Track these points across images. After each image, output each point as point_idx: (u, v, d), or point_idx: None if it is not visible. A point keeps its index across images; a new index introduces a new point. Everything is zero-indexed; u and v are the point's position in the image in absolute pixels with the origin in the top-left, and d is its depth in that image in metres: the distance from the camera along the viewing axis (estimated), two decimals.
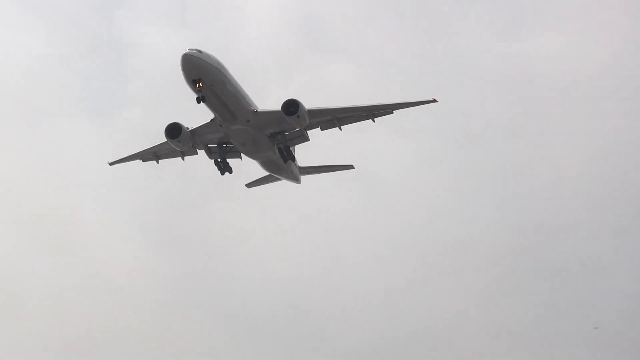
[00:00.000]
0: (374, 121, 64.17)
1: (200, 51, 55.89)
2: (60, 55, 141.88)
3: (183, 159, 69.34)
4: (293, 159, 68.82)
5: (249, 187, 79.62)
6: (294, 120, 60.47)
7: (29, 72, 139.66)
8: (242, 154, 68.58)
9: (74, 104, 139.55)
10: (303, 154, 71.72)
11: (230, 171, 69.02)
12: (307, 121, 61.58)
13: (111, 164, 70.02)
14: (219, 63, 57.58)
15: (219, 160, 67.95)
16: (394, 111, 63.66)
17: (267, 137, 64.87)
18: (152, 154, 69.66)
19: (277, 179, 76.98)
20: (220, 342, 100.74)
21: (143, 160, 70.51)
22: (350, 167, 77.72)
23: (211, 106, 59.45)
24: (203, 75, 55.64)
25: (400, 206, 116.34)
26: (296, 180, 76.43)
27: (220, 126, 62.90)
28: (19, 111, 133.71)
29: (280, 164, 69.31)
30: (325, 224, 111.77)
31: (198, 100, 57.01)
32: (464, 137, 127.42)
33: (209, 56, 56.63)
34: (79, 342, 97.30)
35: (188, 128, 63.28)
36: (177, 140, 62.31)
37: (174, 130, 62.49)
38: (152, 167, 70.44)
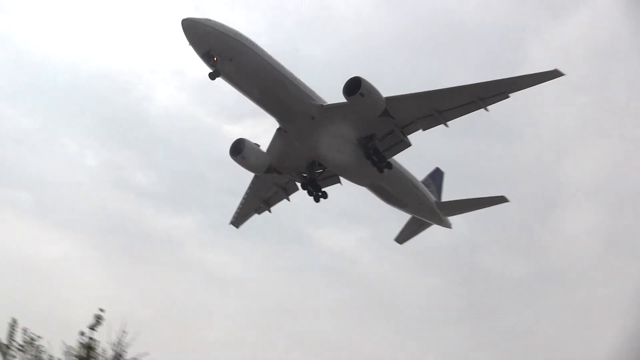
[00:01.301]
0: (487, 109, 49.37)
1: (209, 20, 47.05)
2: None
3: (288, 199, 59.31)
4: (389, 165, 54.05)
5: (400, 243, 67.21)
6: (359, 102, 47.31)
7: None
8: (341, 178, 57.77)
9: None
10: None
11: (325, 196, 57.52)
12: (382, 106, 48.40)
13: (236, 225, 61.42)
14: (240, 35, 48.09)
15: (306, 182, 56.87)
16: (509, 95, 48.51)
17: (355, 146, 53.06)
18: (257, 200, 59.59)
19: (425, 224, 65.45)
20: None
21: (258, 213, 60.70)
22: (503, 199, 61.16)
23: (247, 94, 49.81)
24: (214, 44, 46.08)
25: None
26: (442, 221, 64.12)
27: (285, 132, 52.85)
28: None
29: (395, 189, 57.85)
30: None
31: (211, 76, 47.17)
32: None
33: (222, 25, 47.40)
34: None
35: (258, 145, 54.28)
36: (241, 156, 52.77)
37: (237, 146, 53.45)
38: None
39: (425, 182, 65.63)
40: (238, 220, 61.04)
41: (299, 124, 51.94)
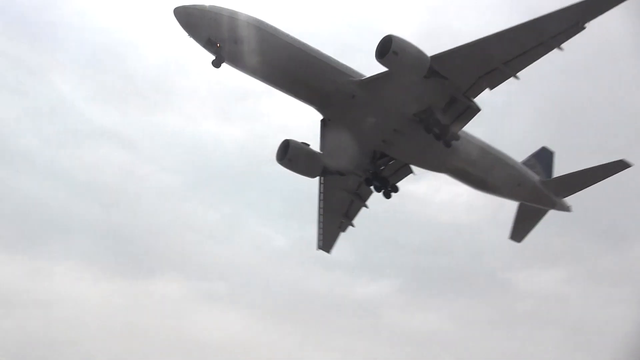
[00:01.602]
0: (561, 48, 40.10)
1: (203, 5, 41.43)
2: None
3: (365, 205, 52.85)
4: (455, 136, 45.77)
5: (518, 241, 58.52)
6: (395, 63, 40.29)
7: None
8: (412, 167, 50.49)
9: None
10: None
11: (396, 190, 50.68)
12: (424, 64, 41.10)
13: (326, 250, 55.29)
14: (245, 15, 42.62)
15: (370, 176, 50.40)
16: (585, 25, 39.11)
17: (414, 122, 45.75)
18: (335, 214, 53.44)
19: (538, 212, 56.62)
20: None
21: (343, 230, 54.28)
22: (624, 165, 50.73)
23: (268, 80, 44.25)
24: (213, 29, 40.80)
25: None
26: (556, 204, 55.54)
27: (329, 120, 46.96)
28: None
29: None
30: None
31: (214, 64, 41.74)
32: None
33: (221, 8, 41.88)
34: None
35: (307, 144, 48.62)
36: (288, 159, 47.39)
37: (284, 149, 48.14)
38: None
39: (527, 162, 57.12)
40: (325, 243, 54.77)
41: (339, 107, 45.28)
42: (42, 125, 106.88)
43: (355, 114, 45.36)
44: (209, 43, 41.16)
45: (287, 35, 43.75)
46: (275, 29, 43.24)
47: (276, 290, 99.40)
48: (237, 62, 42.83)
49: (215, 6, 41.65)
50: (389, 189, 50.43)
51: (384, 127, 46.03)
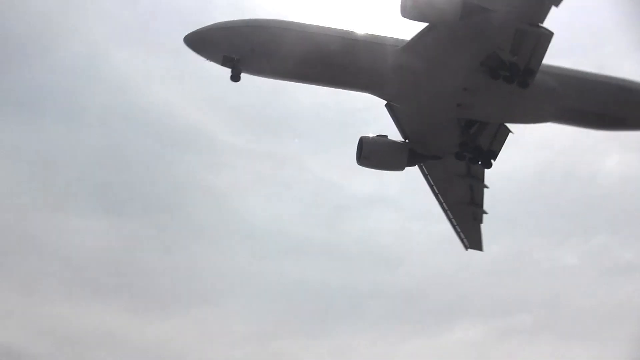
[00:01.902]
0: None
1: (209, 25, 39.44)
2: None
3: (486, 186, 47.20)
4: (531, 73, 39.01)
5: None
6: (423, 5, 35.34)
7: None
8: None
9: None
10: None
11: (494, 156, 43.98)
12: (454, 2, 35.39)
13: (478, 248, 49.08)
14: (253, 20, 39.95)
15: (468, 151, 43.88)
16: None
17: (484, 73, 39.55)
18: (462, 206, 47.71)
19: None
20: None
21: (480, 221, 48.43)
22: None
23: (300, 78, 41.23)
24: (225, 45, 38.84)
25: None
26: None
27: (390, 101, 42.57)
28: None
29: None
30: None
31: (233, 79, 39.20)
32: None
33: (226, 22, 39.67)
34: None
35: (385, 136, 44.29)
36: (364, 158, 43.27)
37: (360, 148, 43.84)
38: None
39: None
40: (471, 240, 49.00)
41: (394, 83, 40.48)
42: (315, 209, 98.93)
43: (413, 84, 40.57)
44: (226, 60, 39.12)
45: (306, 25, 40.48)
46: (290, 23, 40.21)
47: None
48: (261, 69, 40.51)
49: (220, 22, 39.80)
50: (486, 157, 43.93)
51: (450, 89, 40.54)
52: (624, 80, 43.74)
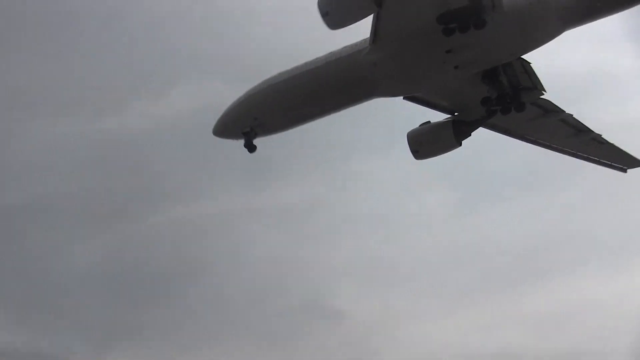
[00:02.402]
0: None
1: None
2: None
3: (564, 110, 42.00)
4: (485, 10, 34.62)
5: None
6: None
7: None
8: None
9: None
10: None
11: (520, 98, 39.93)
12: None
13: None
14: (257, 85, 40.97)
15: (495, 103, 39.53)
16: None
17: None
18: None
19: None
20: None
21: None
22: None
23: (310, 117, 41.06)
24: (237, 125, 41.45)
25: None
26: None
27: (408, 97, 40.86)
28: None
29: None
30: None
31: (251, 149, 41.80)
32: None
33: (235, 101, 41.75)
34: None
35: (427, 122, 42.48)
36: (415, 150, 41.89)
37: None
38: None
39: None
40: (621, 161, 44.62)
41: (386, 82, 38.50)
42: None
43: (399, 68, 37.35)
44: (245, 134, 41.20)
45: (286, 72, 40.30)
46: (271, 78, 40.63)
47: None
48: (272, 128, 41.90)
49: (227, 108, 42.32)
50: (518, 100, 39.18)
51: (432, 51, 36.05)
52: None
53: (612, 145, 42.58)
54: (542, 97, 39.59)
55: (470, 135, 41.50)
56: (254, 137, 41.05)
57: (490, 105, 39.18)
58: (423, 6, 33.20)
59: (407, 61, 36.67)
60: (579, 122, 41.57)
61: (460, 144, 41.51)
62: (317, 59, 39.17)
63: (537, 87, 39.11)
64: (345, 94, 38.86)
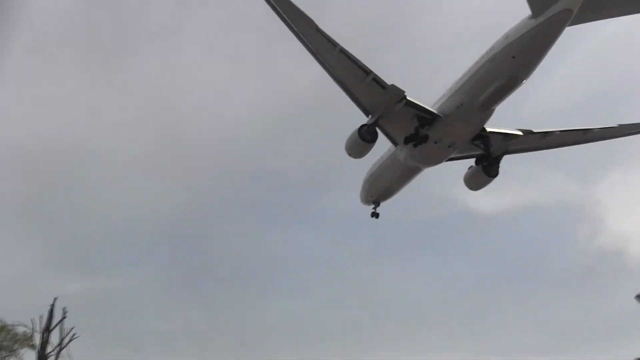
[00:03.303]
0: None
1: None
2: None
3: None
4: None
5: None
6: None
7: None
8: None
9: None
10: None
11: (495, 159, 46.81)
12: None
13: None
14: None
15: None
16: None
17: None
18: None
19: None
20: None
21: None
22: None
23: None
24: (367, 201, 53.81)
25: None
26: None
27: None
28: None
29: None
30: None
31: (376, 216, 52.99)
32: None
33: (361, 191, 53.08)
34: None
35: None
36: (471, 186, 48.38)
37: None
38: None
39: None
40: None
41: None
42: None
43: (422, 158, 46.83)
44: (373, 202, 52.18)
45: (378, 163, 50.57)
46: (373, 165, 51.10)
47: None
48: (383, 199, 52.25)
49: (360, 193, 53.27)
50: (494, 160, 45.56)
51: (426, 145, 43.99)
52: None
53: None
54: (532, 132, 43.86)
55: (496, 169, 45.76)
56: (378, 205, 52.22)
57: (482, 160, 45.92)
58: (396, 135, 43.62)
59: (418, 153, 44.24)
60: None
61: (495, 176, 45.95)
62: (383, 159, 49.31)
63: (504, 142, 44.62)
64: (408, 174, 48.28)
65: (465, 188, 47.23)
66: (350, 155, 42.07)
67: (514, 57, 33.18)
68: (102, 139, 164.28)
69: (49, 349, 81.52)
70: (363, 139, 40.36)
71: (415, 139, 41.31)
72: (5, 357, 77.82)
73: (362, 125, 40.58)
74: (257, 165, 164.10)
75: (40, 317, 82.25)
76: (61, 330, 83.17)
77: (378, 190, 50.39)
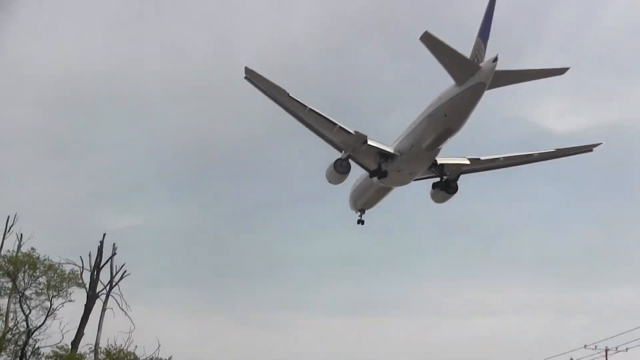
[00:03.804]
0: None
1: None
2: None
3: None
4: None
5: None
6: None
7: None
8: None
9: None
10: None
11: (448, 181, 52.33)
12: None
13: None
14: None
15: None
16: None
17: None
18: None
19: None
20: None
21: None
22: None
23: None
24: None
25: None
26: None
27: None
28: None
29: None
30: None
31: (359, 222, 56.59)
32: None
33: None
34: None
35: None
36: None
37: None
38: None
39: None
40: None
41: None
42: None
43: (391, 182, 51.95)
44: (360, 211, 56.80)
45: (360, 179, 54.18)
46: (356, 181, 54.62)
47: None
48: (368, 208, 56.24)
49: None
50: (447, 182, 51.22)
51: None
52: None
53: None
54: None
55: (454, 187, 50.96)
56: (364, 212, 55.75)
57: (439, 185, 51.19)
58: (366, 166, 49.53)
59: (386, 179, 49.20)
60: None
61: (454, 192, 51.16)
62: (362, 177, 52.92)
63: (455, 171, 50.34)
64: (384, 191, 53.02)
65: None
66: (330, 182, 48.85)
67: (445, 115, 40.51)
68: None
69: (99, 287, 77.35)
70: (338, 172, 47.31)
71: (378, 174, 47.96)
72: (53, 296, 73.83)
73: (337, 159, 47.43)
74: None
75: (89, 255, 78.30)
76: (111, 267, 78.96)
77: (362, 203, 54.89)
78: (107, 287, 77.83)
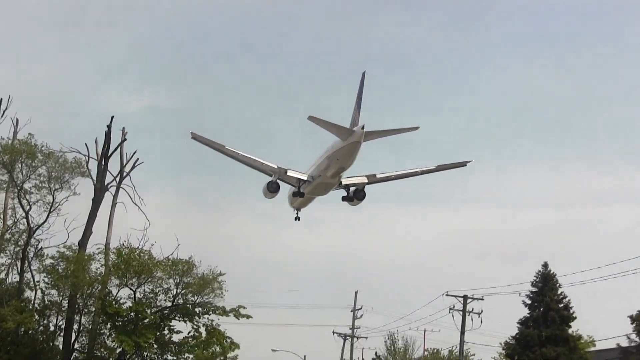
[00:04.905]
0: None
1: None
2: None
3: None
4: None
5: None
6: None
7: None
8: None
9: None
10: None
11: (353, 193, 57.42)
12: None
13: None
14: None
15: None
16: None
17: None
18: None
19: None
20: None
21: None
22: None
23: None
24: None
25: None
26: None
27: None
28: None
29: None
30: None
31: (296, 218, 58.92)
32: None
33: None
34: None
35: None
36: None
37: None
38: None
39: None
40: None
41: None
42: None
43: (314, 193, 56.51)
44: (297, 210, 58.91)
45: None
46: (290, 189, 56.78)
47: None
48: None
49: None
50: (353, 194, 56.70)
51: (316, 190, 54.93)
52: None
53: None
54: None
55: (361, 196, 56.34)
56: (299, 211, 58.94)
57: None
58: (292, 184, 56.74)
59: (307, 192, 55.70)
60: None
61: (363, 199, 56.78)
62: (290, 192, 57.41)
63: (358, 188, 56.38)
64: (310, 198, 57.11)
65: None
66: (266, 197, 55.91)
67: (337, 159, 50.79)
68: None
69: (108, 178, 67.85)
70: (270, 191, 54.85)
71: (298, 195, 55.30)
72: (56, 190, 64.78)
73: (269, 182, 54.50)
74: None
75: (96, 142, 68.39)
76: (121, 155, 69.08)
77: (295, 206, 59.08)
78: (117, 178, 68.72)
